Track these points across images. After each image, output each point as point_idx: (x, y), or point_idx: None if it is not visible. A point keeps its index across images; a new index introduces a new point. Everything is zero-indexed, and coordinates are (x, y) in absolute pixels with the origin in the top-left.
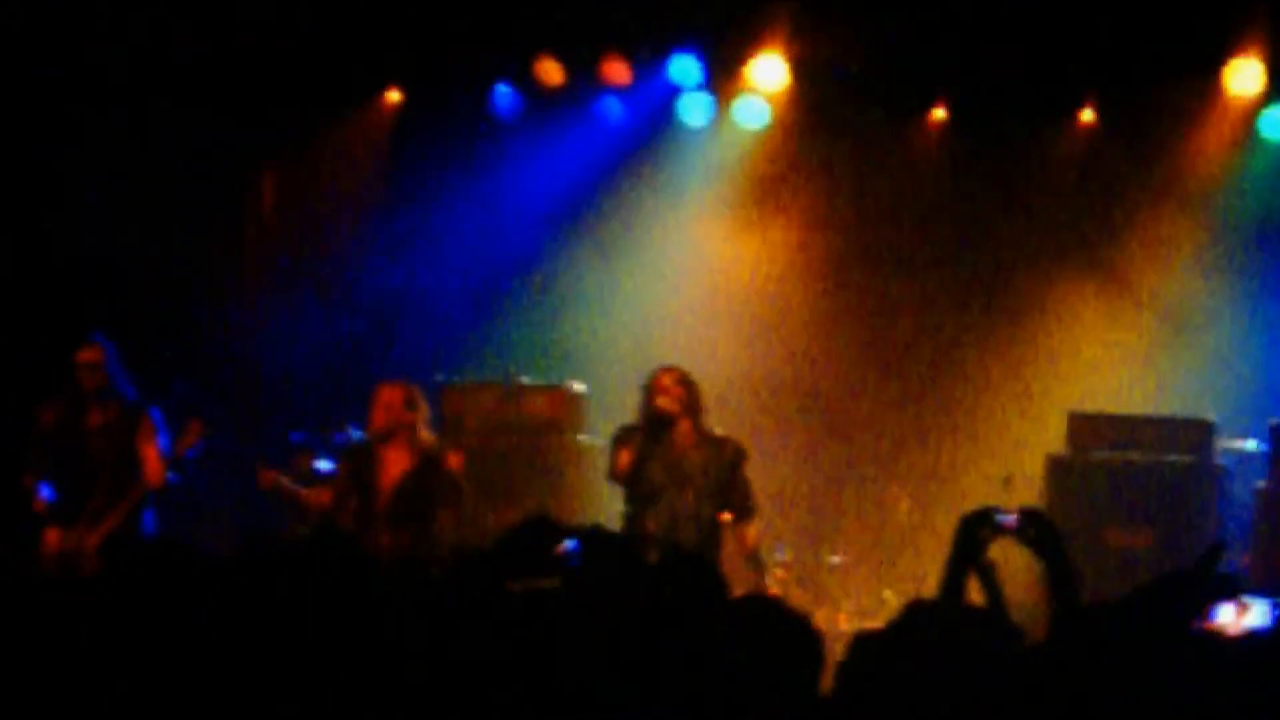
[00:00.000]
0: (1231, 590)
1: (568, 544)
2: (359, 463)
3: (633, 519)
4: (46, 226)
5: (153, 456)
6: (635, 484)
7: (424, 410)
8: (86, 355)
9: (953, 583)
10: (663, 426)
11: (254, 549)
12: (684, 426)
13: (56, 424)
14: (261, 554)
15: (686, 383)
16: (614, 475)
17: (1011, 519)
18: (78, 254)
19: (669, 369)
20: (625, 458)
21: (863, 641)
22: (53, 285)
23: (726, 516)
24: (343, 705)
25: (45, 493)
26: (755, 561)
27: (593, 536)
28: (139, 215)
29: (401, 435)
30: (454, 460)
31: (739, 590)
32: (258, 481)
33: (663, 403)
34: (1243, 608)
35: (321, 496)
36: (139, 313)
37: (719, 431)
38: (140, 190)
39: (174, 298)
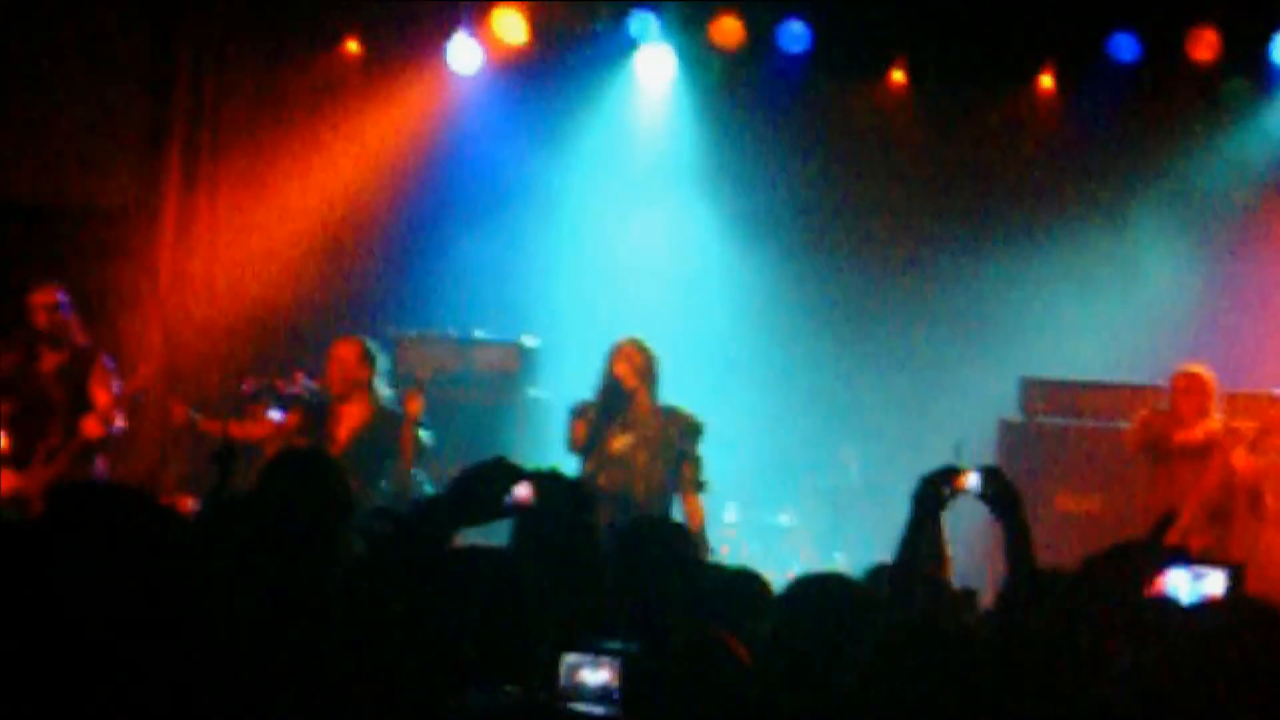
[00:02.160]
0: (1183, 558)
1: (520, 487)
2: (314, 417)
3: (587, 477)
4: None
5: (104, 400)
6: (591, 447)
7: (379, 364)
8: (40, 297)
9: (913, 540)
10: (620, 396)
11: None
12: (640, 396)
13: (9, 367)
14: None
15: (646, 353)
16: (573, 447)
17: (974, 479)
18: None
19: (631, 339)
20: (581, 428)
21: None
22: None
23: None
24: (290, 658)
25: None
26: (700, 539)
27: (546, 479)
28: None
29: (358, 391)
30: (413, 406)
31: None
32: (170, 419)
33: (621, 370)
34: (1195, 576)
35: (251, 430)
36: (82, 255)
37: (674, 404)
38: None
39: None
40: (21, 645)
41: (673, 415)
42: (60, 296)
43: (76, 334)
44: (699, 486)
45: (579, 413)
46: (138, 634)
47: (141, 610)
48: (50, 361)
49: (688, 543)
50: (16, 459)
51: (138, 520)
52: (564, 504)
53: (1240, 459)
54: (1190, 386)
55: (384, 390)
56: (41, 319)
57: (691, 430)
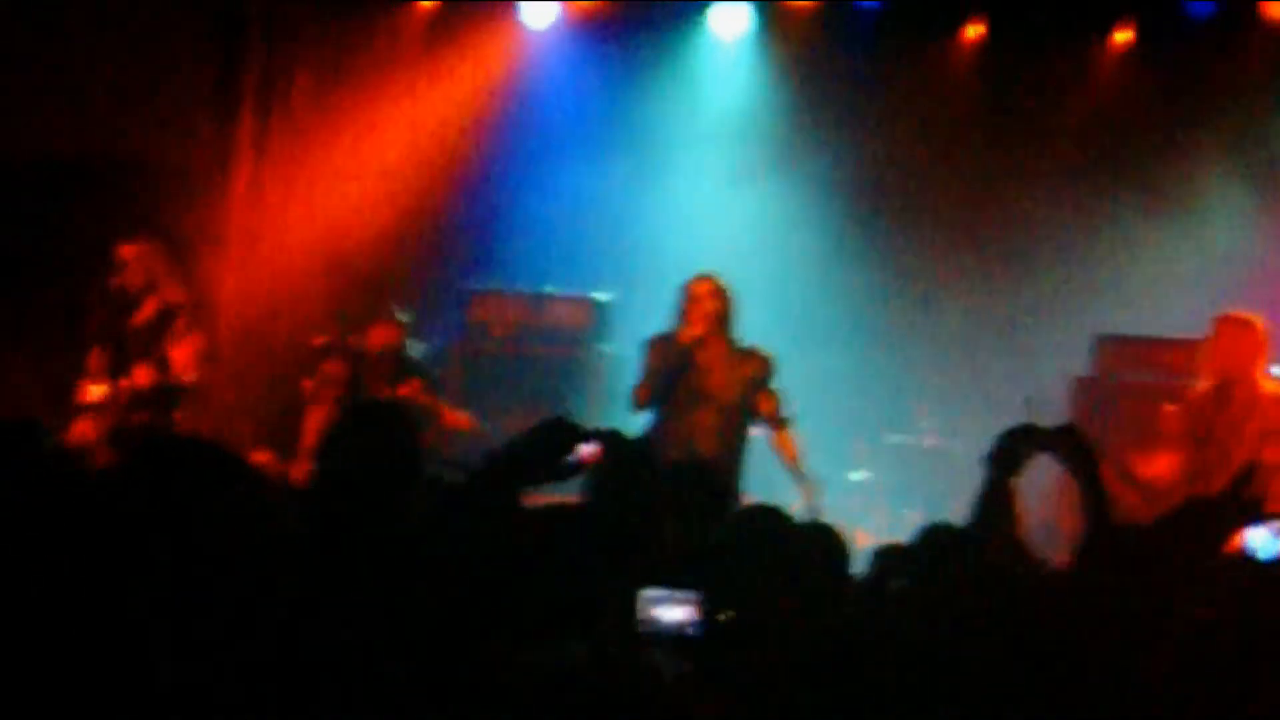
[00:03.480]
0: (1263, 514)
1: (584, 446)
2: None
3: (652, 433)
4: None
5: (184, 355)
6: (658, 400)
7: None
8: (128, 250)
9: (990, 498)
10: (692, 347)
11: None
12: (712, 342)
13: (104, 320)
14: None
15: (721, 294)
16: (636, 403)
17: (1052, 436)
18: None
19: (704, 278)
20: (645, 392)
21: (884, 556)
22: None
23: (757, 431)
24: (357, 615)
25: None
26: (798, 474)
27: (611, 439)
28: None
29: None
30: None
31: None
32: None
33: (695, 319)
34: (1276, 531)
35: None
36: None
37: (747, 345)
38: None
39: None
40: (96, 594)
41: (743, 358)
42: (148, 247)
43: (168, 287)
44: (785, 421)
45: (654, 348)
46: (205, 584)
47: (211, 560)
48: (138, 315)
49: (729, 490)
50: (98, 409)
51: (214, 473)
52: (628, 462)
53: None
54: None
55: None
56: (130, 274)
57: (763, 371)
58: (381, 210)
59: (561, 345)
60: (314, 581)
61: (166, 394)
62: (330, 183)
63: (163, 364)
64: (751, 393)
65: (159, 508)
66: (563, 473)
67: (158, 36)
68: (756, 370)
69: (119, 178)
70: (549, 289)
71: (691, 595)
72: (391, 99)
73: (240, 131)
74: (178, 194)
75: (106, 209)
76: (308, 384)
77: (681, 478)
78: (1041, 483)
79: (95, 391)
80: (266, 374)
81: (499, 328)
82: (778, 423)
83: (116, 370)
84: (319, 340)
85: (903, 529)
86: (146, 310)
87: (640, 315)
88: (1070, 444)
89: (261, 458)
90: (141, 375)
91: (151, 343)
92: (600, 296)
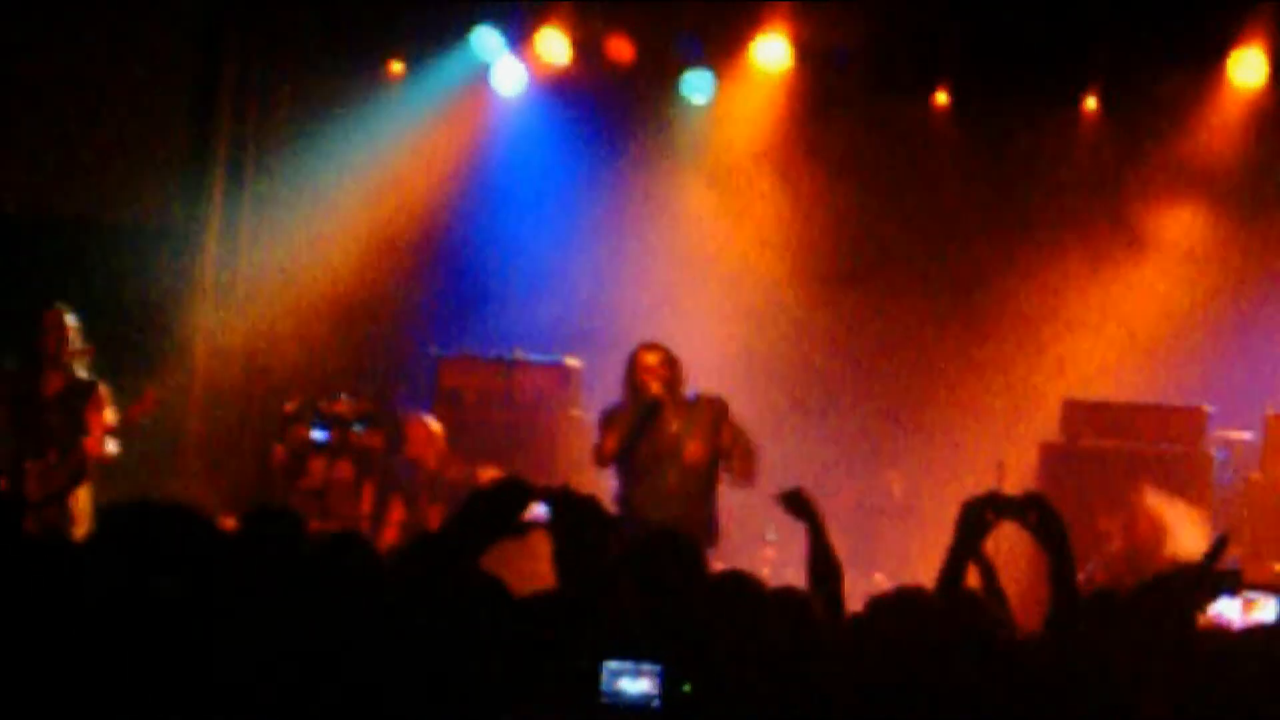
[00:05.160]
0: (1235, 585)
1: (537, 506)
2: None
3: (622, 497)
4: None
5: (98, 427)
6: (622, 463)
7: None
8: (48, 318)
9: (955, 565)
10: (652, 412)
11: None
12: (667, 405)
13: (13, 385)
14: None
15: (671, 362)
16: (600, 458)
17: (1018, 504)
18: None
19: (651, 347)
20: (611, 442)
21: (856, 624)
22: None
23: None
24: (321, 682)
25: None
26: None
27: (561, 497)
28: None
29: None
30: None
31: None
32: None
33: (654, 388)
34: (1247, 603)
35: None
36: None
37: (697, 392)
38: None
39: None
40: (73, 656)
41: (696, 409)
42: (69, 320)
43: (79, 363)
44: (750, 458)
45: (610, 420)
46: (182, 646)
47: (187, 621)
48: (53, 384)
49: (699, 559)
50: (11, 476)
51: (187, 537)
52: (579, 520)
53: None
54: None
55: None
56: (48, 341)
57: (717, 414)
58: (352, 274)
59: (532, 410)
60: (278, 646)
61: (84, 462)
62: (302, 247)
63: (80, 434)
64: (713, 434)
65: (134, 576)
66: (515, 531)
67: (133, 97)
68: (711, 411)
69: (91, 236)
70: (519, 354)
71: (654, 667)
72: (363, 163)
73: (213, 195)
74: (151, 254)
75: (80, 267)
76: (279, 449)
77: (652, 547)
78: (1014, 547)
79: None
80: (238, 437)
81: (469, 393)
82: (746, 459)
83: (24, 438)
84: (290, 406)
85: (874, 592)
86: (60, 381)
87: (612, 380)
88: (1037, 511)
89: (231, 523)
90: (53, 454)
91: (66, 414)
92: (570, 362)
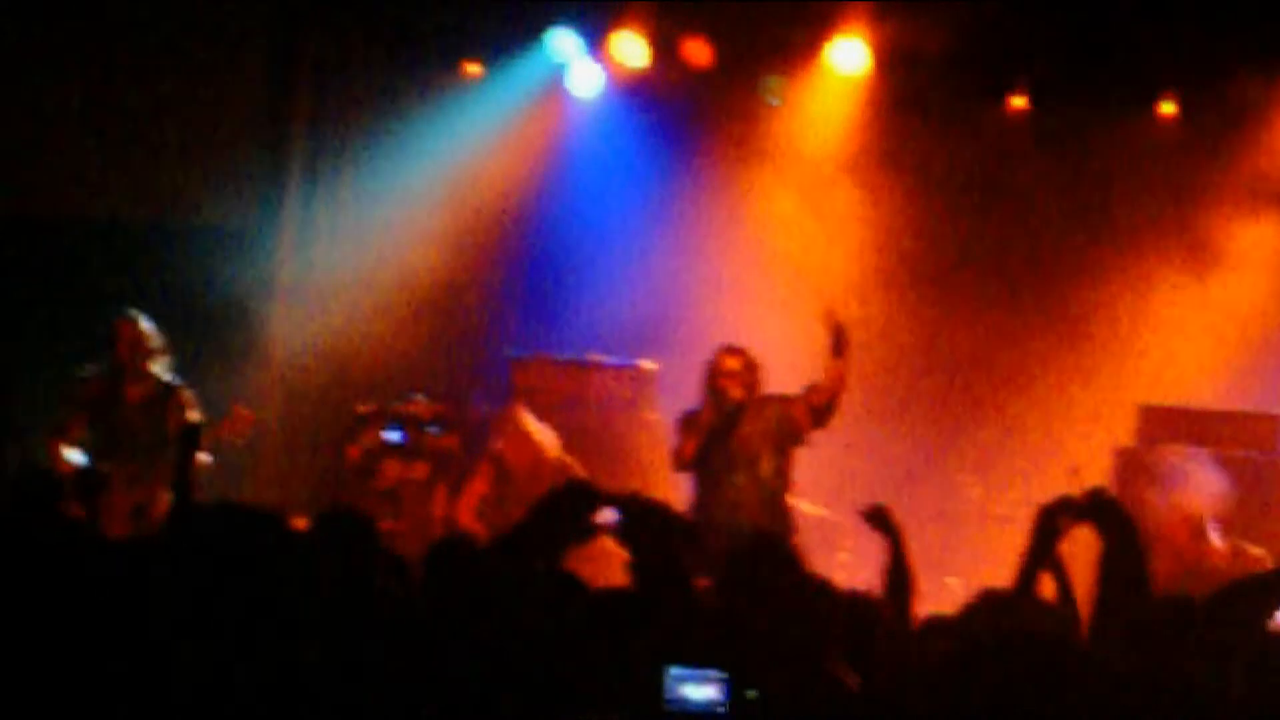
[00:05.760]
0: None
1: (607, 511)
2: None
3: (695, 503)
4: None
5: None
6: (698, 468)
7: None
8: (122, 327)
9: (1030, 571)
10: (731, 418)
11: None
12: (748, 403)
13: (97, 394)
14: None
15: (751, 367)
16: (678, 463)
17: (1092, 509)
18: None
19: (732, 351)
20: (690, 447)
21: (934, 627)
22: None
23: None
24: (388, 685)
25: (75, 458)
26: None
27: (631, 503)
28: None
29: None
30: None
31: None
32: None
33: (735, 393)
34: None
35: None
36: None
37: (770, 394)
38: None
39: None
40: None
41: (763, 409)
42: (142, 325)
43: (158, 365)
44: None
45: (688, 424)
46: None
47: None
48: (135, 392)
49: (798, 568)
50: (96, 486)
51: (261, 538)
52: (649, 526)
53: None
54: None
55: None
56: (122, 350)
57: (781, 397)
58: (428, 275)
59: (605, 413)
60: (346, 646)
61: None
62: (378, 248)
63: (168, 440)
64: (784, 423)
65: (210, 576)
66: (582, 536)
67: (210, 101)
68: (775, 406)
69: (169, 240)
70: (594, 357)
71: (719, 673)
72: (438, 165)
73: (290, 197)
74: (229, 257)
75: (158, 271)
76: (353, 451)
77: (752, 552)
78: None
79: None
80: (315, 438)
81: (543, 395)
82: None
83: (109, 446)
84: (363, 407)
85: (947, 596)
86: (141, 389)
87: (688, 382)
88: (1109, 517)
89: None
90: (141, 461)
91: (150, 421)
92: (645, 365)
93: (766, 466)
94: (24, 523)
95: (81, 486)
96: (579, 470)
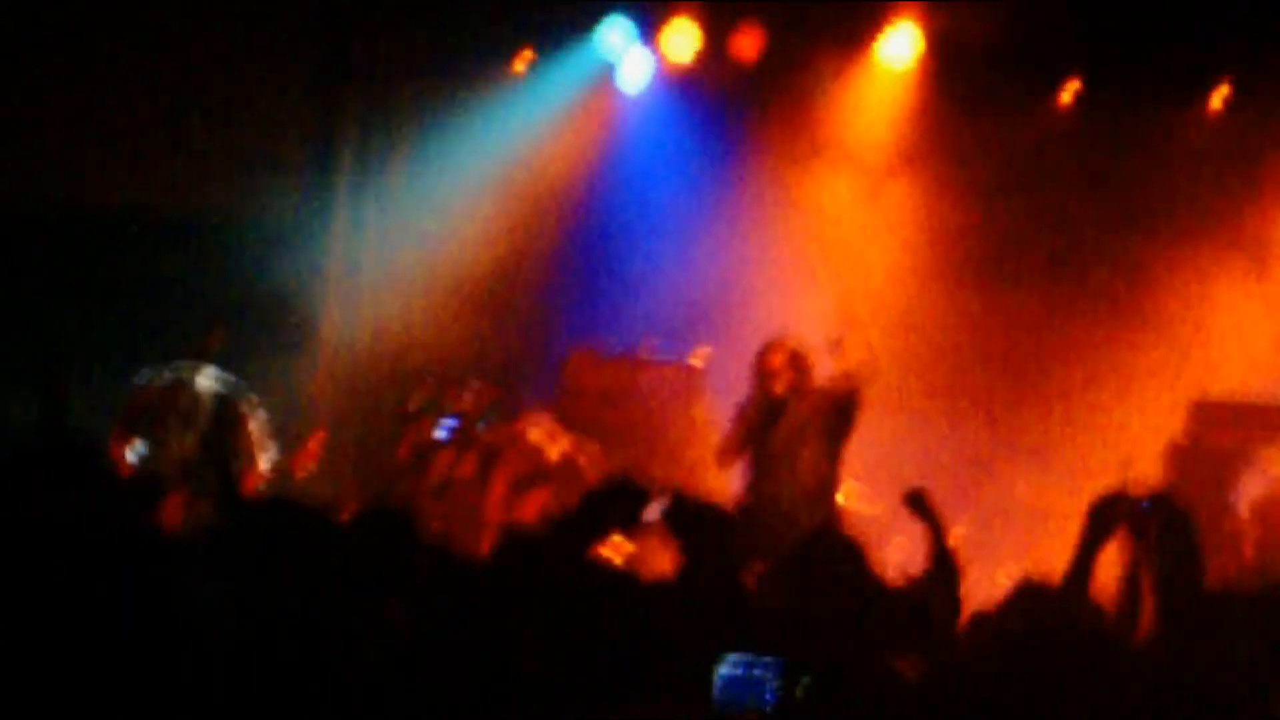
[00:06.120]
0: None
1: (654, 506)
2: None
3: (743, 497)
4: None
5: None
6: (745, 463)
7: None
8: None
9: (1082, 564)
10: (776, 412)
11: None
12: (795, 396)
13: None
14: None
15: (796, 360)
16: (720, 458)
17: (1146, 505)
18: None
19: (776, 346)
20: (732, 442)
21: (978, 622)
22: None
23: None
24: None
25: (133, 457)
26: None
27: (675, 499)
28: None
29: None
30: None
31: None
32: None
33: (777, 389)
34: None
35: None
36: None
37: (818, 387)
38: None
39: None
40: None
41: (817, 400)
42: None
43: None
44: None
45: (739, 417)
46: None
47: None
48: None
49: (859, 562)
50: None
51: (309, 533)
52: (694, 522)
53: None
54: None
55: None
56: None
57: (824, 388)
58: (478, 267)
59: (654, 409)
60: (392, 639)
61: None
62: (427, 241)
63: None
64: (826, 417)
65: (258, 569)
66: (629, 529)
67: (261, 93)
68: (815, 399)
69: (221, 234)
70: (644, 352)
71: (772, 662)
72: (488, 158)
73: (340, 190)
74: (280, 250)
75: (210, 265)
76: (403, 451)
77: (816, 548)
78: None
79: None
80: (366, 431)
81: (592, 391)
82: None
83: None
84: (412, 403)
85: (994, 588)
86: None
87: (739, 370)
88: (1163, 513)
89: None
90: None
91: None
92: (695, 361)
93: (808, 460)
94: (125, 523)
95: (140, 488)
96: (588, 473)
